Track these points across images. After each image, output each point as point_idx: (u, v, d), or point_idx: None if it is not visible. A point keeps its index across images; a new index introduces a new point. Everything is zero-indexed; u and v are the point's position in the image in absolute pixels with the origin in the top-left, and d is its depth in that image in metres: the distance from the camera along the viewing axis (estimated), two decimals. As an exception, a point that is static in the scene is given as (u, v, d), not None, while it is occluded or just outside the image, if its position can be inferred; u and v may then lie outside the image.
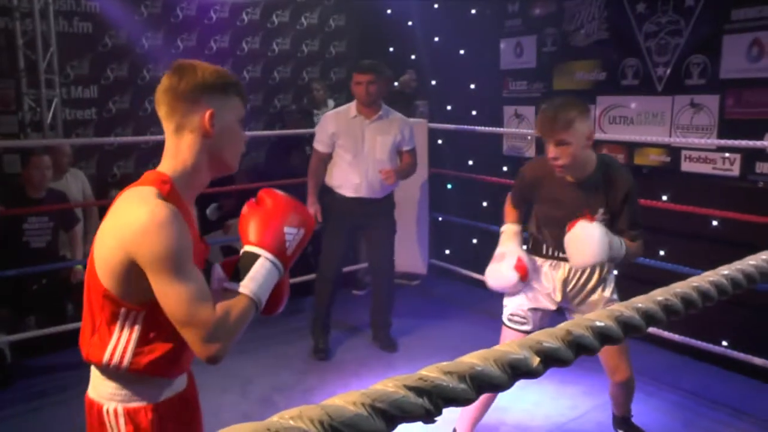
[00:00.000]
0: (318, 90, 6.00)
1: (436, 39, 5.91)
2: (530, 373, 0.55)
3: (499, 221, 2.96)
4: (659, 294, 0.71)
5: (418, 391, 0.48)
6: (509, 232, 2.80)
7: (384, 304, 4.43)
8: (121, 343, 1.43)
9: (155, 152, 5.66)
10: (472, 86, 5.63)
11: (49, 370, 4.00)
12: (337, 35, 6.75)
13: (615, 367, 2.74)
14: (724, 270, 0.81)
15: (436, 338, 4.48)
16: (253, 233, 1.48)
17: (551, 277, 2.72)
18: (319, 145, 4.17)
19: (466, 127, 5.28)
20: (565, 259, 2.60)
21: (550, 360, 0.56)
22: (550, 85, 5.02)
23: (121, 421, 1.47)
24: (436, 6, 5.89)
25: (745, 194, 3.91)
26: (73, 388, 3.82)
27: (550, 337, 0.57)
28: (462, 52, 5.63)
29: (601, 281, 2.70)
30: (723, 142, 3.86)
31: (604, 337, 0.62)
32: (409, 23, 6.09)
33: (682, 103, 4.18)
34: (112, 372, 1.45)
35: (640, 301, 0.69)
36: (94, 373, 1.50)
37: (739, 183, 3.96)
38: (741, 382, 3.76)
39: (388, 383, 0.48)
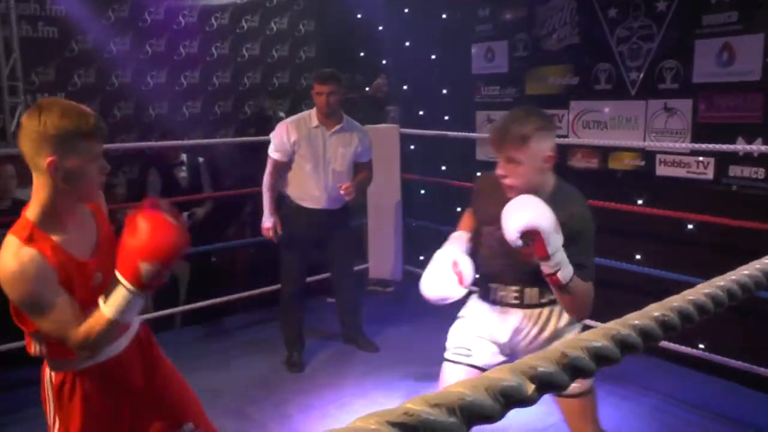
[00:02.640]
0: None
1: (407, 44, 5.87)
2: (524, 401, 0.49)
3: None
4: (655, 309, 0.67)
5: (403, 428, 0.42)
6: (453, 237, 2.47)
7: (352, 309, 4.41)
8: (36, 345, 1.84)
9: (124, 160, 5.60)
10: (444, 91, 5.60)
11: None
12: (307, 40, 6.68)
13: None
14: (719, 281, 0.76)
15: (412, 345, 4.43)
16: (119, 259, 1.71)
17: (500, 326, 2.37)
18: (277, 154, 4.02)
19: (437, 132, 5.24)
20: (515, 305, 2.31)
21: (545, 386, 0.51)
22: (522, 90, 5.01)
23: (53, 381, 1.87)
24: (406, 11, 5.86)
25: (719, 197, 3.92)
26: (30, 407, 3.69)
27: (543, 361, 0.52)
28: (433, 57, 5.61)
29: (556, 334, 2.33)
30: (696, 146, 3.86)
31: (600, 357, 0.57)
32: (380, 28, 6.05)
33: (655, 108, 4.19)
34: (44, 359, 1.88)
35: (636, 318, 0.64)
36: None
37: (713, 186, 3.97)
38: (718, 385, 3.77)
39: (370, 420, 0.43)
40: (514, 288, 2.32)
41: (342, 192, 3.92)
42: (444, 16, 5.55)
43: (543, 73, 4.82)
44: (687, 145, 3.98)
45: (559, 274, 2.03)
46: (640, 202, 4.25)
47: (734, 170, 3.88)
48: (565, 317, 2.32)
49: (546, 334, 2.34)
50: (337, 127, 4.02)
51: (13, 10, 5.01)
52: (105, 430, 1.92)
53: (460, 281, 2.30)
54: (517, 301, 2.32)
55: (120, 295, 1.69)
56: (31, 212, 1.73)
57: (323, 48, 6.74)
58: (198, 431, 2.10)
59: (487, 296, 2.40)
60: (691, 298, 0.70)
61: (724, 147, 3.70)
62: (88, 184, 1.76)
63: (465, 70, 5.39)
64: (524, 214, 1.97)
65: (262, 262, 5.56)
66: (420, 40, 5.74)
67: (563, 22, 4.66)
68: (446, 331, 4.63)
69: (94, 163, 1.74)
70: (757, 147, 3.65)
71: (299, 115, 4.11)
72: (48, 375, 1.89)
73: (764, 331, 3.72)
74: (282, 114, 5.78)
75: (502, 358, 2.40)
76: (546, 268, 2.04)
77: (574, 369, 0.54)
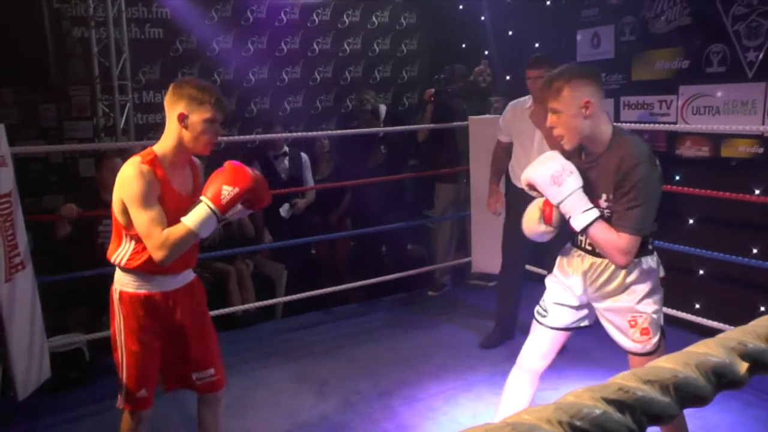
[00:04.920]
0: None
1: (510, 33, 5.76)
2: (736, 383, 0.45)
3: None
4: None
5: (618, 405, 0.39)
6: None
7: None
8: (122, 250, 2.33)
9: (227, 154, 5.75)
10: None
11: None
12: (408, 33, 6.68)
13: None
14: None
15: (515, 340, 4.35)
16: (205, 186, 2.26)
17: (577, 267, 2.50)
18: (500, 134, 4.27)
19: (541, 122, 5.11)
20: (588, 251, 2.45)
21: (758, 366, 0.46)
22: (628, 76, 4.81)
23: (116, 296, 2.37)
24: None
25: None
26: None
27: (753, 337, 0.47)
28: (537, 45, 5.47)
29: (624, 288, 2.39)
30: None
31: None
32: (482, 18, 5.96)
33: (776, 90, 3.93)
34: (117, 267, 2.37)
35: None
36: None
37: (841, 173, 3.69)
38: None
39: (584, 395, 0.39)
40: None
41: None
42: (548, 2, 5.40)
43: (650, 58, 4.62)
44: (812, 129, 3.71)
45: (571, 221, 2.28)
46: (757, 192, 4.00)
47: None
48: (633, 274, 2.37)
49: (612, 286, 2.41)
50: None
51: (124, 14, 5.24)
52: (140, 345, 2.37)
53: (546, 219, 2.48)
54: (590, 247, 2.44)
55: (201, 210, 2.19)
56: (157, 147, 2.30)
57: (425, 40, 6.73)
58: (215, 378, 2.54)
59: (573, 238, 2.57)
60: None
61: None
62: (202, 138, 2.27)
63: (570, 57, 5.21)
64: (527, 171, 2.36)
65: (361, 254, 5.61)
66: (523, 28, 5.61)
67: (673, 3, 4.44)
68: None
69: (211, 125, 2.27)
70: None
71: (522, 98, 4.23)
72: (112, 289, 2.40)
73: None
74: (382, 106, 5.78)
75: (578, 316, 2.55)
76: (563, 213, 2.31)
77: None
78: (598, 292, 2.44)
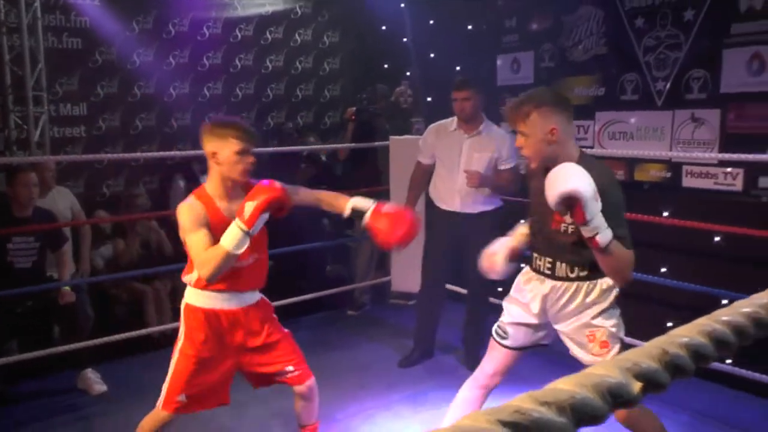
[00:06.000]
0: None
1: (432, 55, 5.86)
2: (630, 402, 0.46)
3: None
4: (744, 305, 0.63)
5: (514, 427, 0.39)
6: (515, 231, 2.79)
7: (480, 322, 4.24)
8: (193, 275, 2.57)
9: (146, 170, 5.61)
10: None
11: (36, 396, 3.87)
12: (331, 52, 6.69)
13: None
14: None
15: (435, 357, 4.39)
16: (239, 209, 2.48)
17: (536, 290, 2.57)
18: (420, 156, 4.28)
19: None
20: (547, 275, 2.52)
21: (651, 385, 0.47)
22: (547, 101, 4.96)
23: (182, 307, 2.68)
24: (431, 22, 5.85)
25: (748, 209, 3.85)
26: (60, 414, 3.69)
27: (645, 357, 0.49)
28: (458, 68, 5.58)
29: (584, 307, 2.46)
30: (725, 156, 3.80)
31: (699, 356, 0.53)
32: (404, 39, 6.04)
33: (682, 118, 4.14)
34: (187, 284, 2.66)
35: (726, 314, 0.60)
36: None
37: (742, 198, 3.90)
38: (748, 401, 3.69)
39: (480, 418, 0.39)
40: (548, 259, 2.53)
41: (465, 176, 3.97)
42: (470, 27, 5.53)
43: (569, 84, 4.78)
44: (715, 156, 3.91)
45: (597, 238, 2.19)
46: (666, 213, 4.18)
47: (764, 181, 3.82)
48: (593, 294, 2.45)
49: (572, 306, 2.48)
50: (475, 131, 4.07)
51: (39, 21, 5.06)
52: (193, 353, 2.62)
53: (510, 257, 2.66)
54: (549, 272, 2.52)
55: (233, 230, 2.41)
56: (207, 183, 2.62)
57: (347, 59, 6.75)
58: (295, 372, 2.80)
59: (531, 262, 2.64)
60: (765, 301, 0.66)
61: (753, 157, 3.63)
62: (236, 168, 2.53)
63: (490, 81, 5.34)
64: (566, 181, 2.13)
65: (280, 274, 5.55)
66: (445, 51, 5.72)
67: (590, 32, 4.63)
68: (464, 344, 4.59)
69: (241, 156, 2.52)
70: (789, 157, 3.59)
71: (445, 120, 4.24)
72: (182, 301, 2.69)
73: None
74: (312, 138, 5.79)
75: (537, 335, 2.64)
76: (585, 231, 2.20)
77: (675, 368, 0.50)
78: (559, 313, 2.52)
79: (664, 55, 4.20)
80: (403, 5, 6.03)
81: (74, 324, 4.08)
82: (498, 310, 2.77)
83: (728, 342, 0.58)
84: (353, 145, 5.18)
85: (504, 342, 2.65)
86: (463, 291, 4.68)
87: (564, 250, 2.44)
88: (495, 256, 2.68)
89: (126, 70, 5.55)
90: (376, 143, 5.18)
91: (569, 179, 2.13)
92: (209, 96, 5.99)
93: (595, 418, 0.43)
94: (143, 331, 4.34)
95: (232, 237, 2.41)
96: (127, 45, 5.52)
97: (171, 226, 5.18)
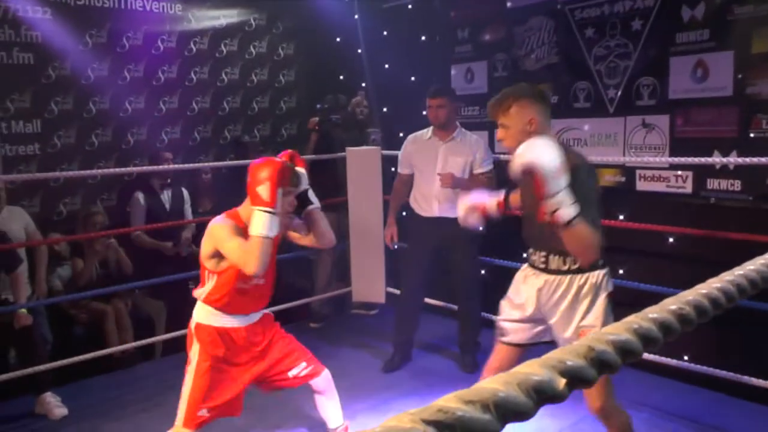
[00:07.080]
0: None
1: (387, 66, 5.90)
2: (556, 397, 0.48)
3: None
4: (671, 303, 0.66)
5: (438, 426, 0.41)
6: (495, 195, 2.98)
7: (474, 324, 4.40)
8: (204, 288, 2.79)
9: (103, 187, 5.53)
10: (425, 113, 5.60)
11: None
12: (286, 64, 6.68)
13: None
14: (728, 276, 0.76)
15: (400, 366, 4.40)
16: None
17: (531, 285, 2.66)
18: (399, 167, 4.43)
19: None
20: (541, 269, 2.62)
21: (576, 380, 0.50)
22: (502, 109, 5.03)
23: (192, 327, 2.84)
24: (385, 33, 5.89)
25: (698, 210, 3.97)
26: None
27: (571, 355, 0.51)
28: (413, 78, 5.63)
29: (576, 302, 2.53)
30: (674, 159, 3.92)
31: (626, 351, 0.56)
32: (359, 51, 6.08)
33: (633, 124, 4.24)
34: (198, 301, 2.84)
35: (654, 312, 0.63)
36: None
37: (692, 199, 4.01)
38: (706, 396, 3.79)
39: (404, 419, 0.41)
40: (541, 253, 2.62)
41: (439, 177, 4.10)
42: (423, 38, 5.59)
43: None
44: (665, 160, 4.03)
45: (559, 212, 2.22)
46: (621, 217, 4.27)
47: (712, 183, 3.94)
48: (585, 288, 2.54)
49: (565, 300, 2.57)
50: (449, 137, 4.21)
51: (-13, 37, 4.96)
52: (209, 367, 2.76)
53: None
54: (543, 266, 2.61)
55: (256, 216, 2.55)
56: (240, 208, 2.80)
57: (303, 71, 6.74)
58: (309, 367, 2.98)
59: (526, 258, 2.74)
60: (704, 291, 0.70)
61: (701, 160, 3.76)
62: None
63: (445, 90, 5.40)
64: (528, 153, 2.20)
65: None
66: (399, 62, 5.77)
67: (542, 42, 4.72)
68: (427, 352, 4.65)
69: (285, 198, 2.76)
70: (733, 159, 3.70)
71: (421, 131, 4.38)
72: (191, 322, 2.85)
73: (744, 340, 3.74)
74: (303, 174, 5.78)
75: (535, 331, 2.72)
76: (547, 206, 2.23)
77: (601, 363, 0.53)
78: (553, 308, 2.61)
79: (615, 63, 4.30)
80: (356, 17, 6.07)
81: (31, 347, 4.00)
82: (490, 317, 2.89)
83: (654, 338, 0.61)
84: (314, 156, 5.19)
85: (503, 338, 2.76)
86: (440, 303, 4.89)
87: (554, 240, 2.41)
88: (472, 211, 2.91)
89: (80, 86, 5.45)
90: (337, 155, 5.19)
91: (531, 151, 2.19)
92: (165, 110, 5.93)
93: (521, 415, 0.46)
94: (104, 351, 4.27)
95: (261, 222, 2.53)
96: (81, 60, 5.43)
97: (130, 244, 5.12)
